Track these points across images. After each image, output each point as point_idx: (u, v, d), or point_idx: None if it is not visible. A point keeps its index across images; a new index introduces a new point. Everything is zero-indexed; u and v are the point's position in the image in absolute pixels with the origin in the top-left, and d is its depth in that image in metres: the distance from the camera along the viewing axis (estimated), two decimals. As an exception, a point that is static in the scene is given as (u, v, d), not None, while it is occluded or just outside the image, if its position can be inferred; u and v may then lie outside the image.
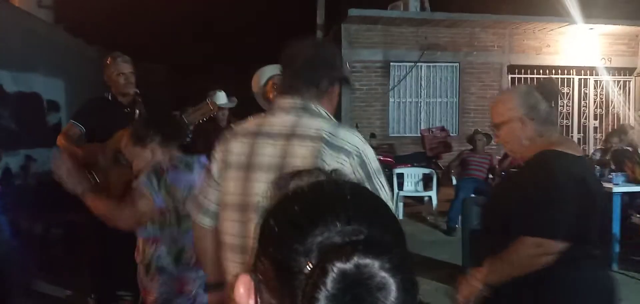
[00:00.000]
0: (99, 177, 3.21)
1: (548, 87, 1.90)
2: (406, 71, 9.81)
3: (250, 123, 1.72)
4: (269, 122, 1.67)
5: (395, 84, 9.88)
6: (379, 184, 1.64)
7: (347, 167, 1.56)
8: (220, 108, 5.17)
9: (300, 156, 1.57)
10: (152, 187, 2.09)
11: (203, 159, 2.31)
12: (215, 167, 1.71)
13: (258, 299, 0.64)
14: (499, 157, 7.60)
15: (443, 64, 9.96)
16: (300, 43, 1.73)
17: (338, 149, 1.57)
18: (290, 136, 1.61)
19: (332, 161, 1.56)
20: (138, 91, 3.56)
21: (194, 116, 3.46)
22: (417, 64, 9.76)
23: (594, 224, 1.76)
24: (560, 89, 10.19)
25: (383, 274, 0.55)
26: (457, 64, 9.96)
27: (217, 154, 1.72)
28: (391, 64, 9.71)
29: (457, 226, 6.28)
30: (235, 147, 1.68)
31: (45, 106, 8.58)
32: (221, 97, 5.18)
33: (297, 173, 0.72)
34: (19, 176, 7.12)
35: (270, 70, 3.58)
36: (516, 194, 1.83)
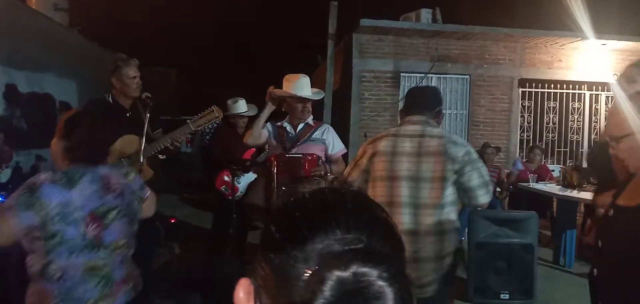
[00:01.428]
0: None
1: None
2: (416, 82, 9.80)
3: (392, 129, 2.77)
4: (403, 129, 2.68)
5: (405, 94, 9.85)
6: (481, 165, 2.56)
7: (461, 154, 2.50)
8: (239, 116, 5.21)
9: (433, 145, 2.53)
10: (20, 205, 2.00)
11: (102, 171, 2.20)
12: (364, 160, 2.68)
13: None
14: (507, 171, 7.57)
15: (453, 76, 9.94)
16: (423, 86, 2.97)
17: (456, 143, 2.56)
18: (422, 136, 2.58)
19: (453, 151, 2.50)
20: (149, 95, 3.57)
21: (200, 121, 3.50)
22: (428, 75, 9.74)
23: None
24: (571, 104, 10.16)
25: (380, 283, 0.55)
26: (468, 76, 9.93)
27: (368, 148, 2.70)
28: (401, 74, 9.70)
29: (463, 239, 6.24)
30: (382, 143, 2.65)
31: (58, 107, 8.67)
32: (241, 106, 5.22)
33: (300, 180, 0.73)
34: (29, 175, 7.20)
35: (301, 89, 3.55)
36: None
